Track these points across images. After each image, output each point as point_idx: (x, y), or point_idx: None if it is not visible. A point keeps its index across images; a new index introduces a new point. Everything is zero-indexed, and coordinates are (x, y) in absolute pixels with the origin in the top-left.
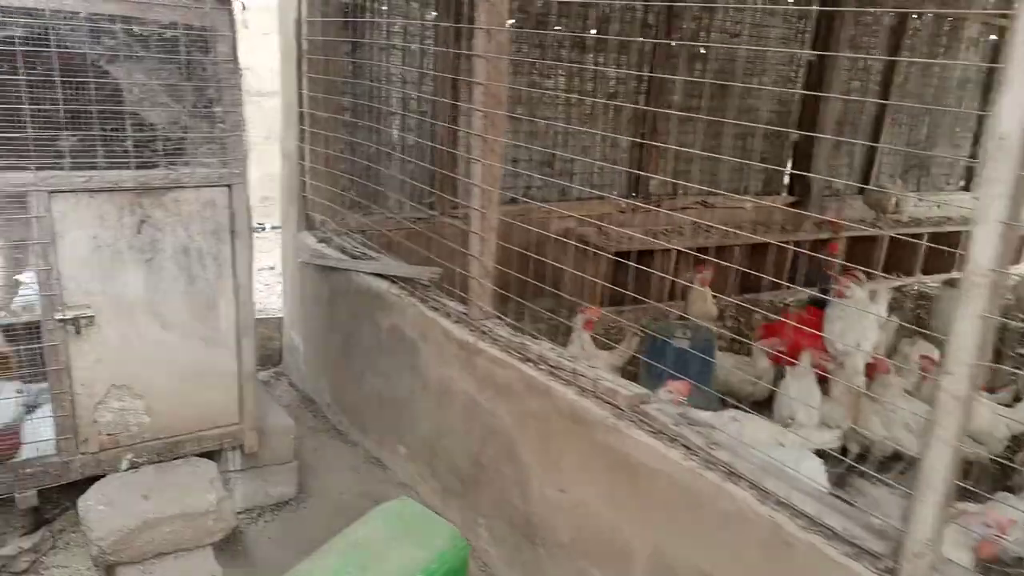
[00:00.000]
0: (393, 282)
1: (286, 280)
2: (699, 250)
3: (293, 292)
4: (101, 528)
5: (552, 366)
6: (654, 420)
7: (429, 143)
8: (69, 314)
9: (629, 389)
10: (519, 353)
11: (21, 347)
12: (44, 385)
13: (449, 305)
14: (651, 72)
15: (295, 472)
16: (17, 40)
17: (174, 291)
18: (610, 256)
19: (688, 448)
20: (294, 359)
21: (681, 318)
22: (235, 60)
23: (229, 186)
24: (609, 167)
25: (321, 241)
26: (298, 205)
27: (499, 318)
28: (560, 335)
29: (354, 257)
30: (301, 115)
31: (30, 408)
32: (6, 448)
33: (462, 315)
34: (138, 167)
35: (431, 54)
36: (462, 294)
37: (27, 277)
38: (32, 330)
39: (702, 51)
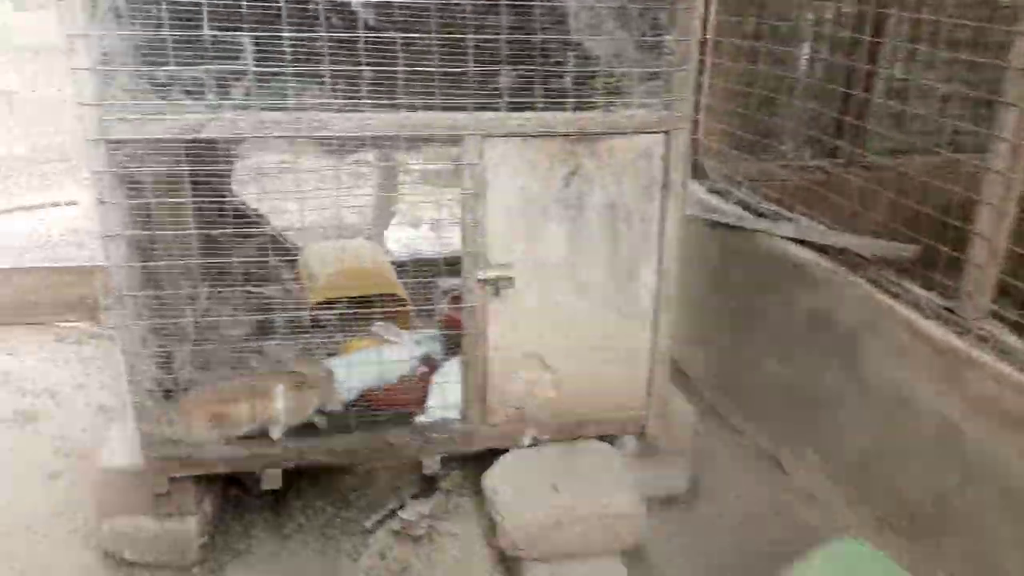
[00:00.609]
0: (823, 252)
1: None
2: None
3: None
4: (512, 518)
5: None
6: None
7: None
8: (491, 274)
9: None
10: None
11: (422, 300)
12: (430, 336)
13: (916, 292)
14: None
15: (688, 464)
16: None
17: (595, 254)
18: None
19: None
20: None
21: None
22: None
23: (667, 132)
24: None
25: (712, 192)
26: None
27: (1008, 320)
28: None
29: (760, 215)
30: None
31: (425, 362)
32: (410, 401)
33: (943, 309)
34: (575, 109)
35: None
36: (943, 280)
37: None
38: (422, 273)
39: None
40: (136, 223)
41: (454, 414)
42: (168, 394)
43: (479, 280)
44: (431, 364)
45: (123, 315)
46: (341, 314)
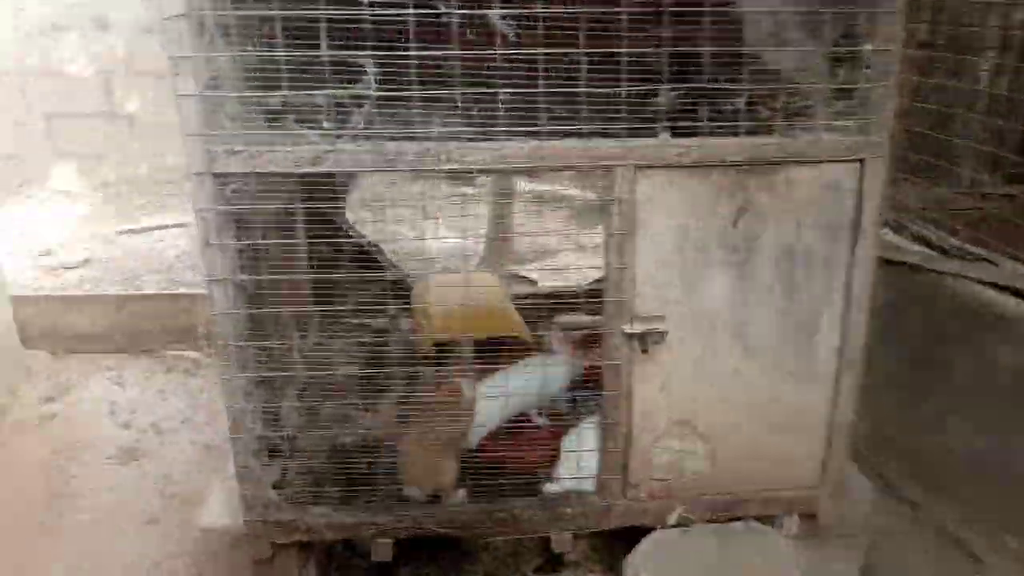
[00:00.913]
0: None
1: None
2: None
3: None
4: None
5: None
6: None
7: None
8: (639, 328)
9: None
10: None
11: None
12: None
13: None
14: None
15: (861, 549)
16: None
17: (765, 306)
18: None
19: None
20: None
21: None
22: None
23: (861, 161)
24: None
25: (884, 225)
26: None
27: None
28: None
29: (944, 252)
30: None
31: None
32: (537, 461)
33: None
34: (747, 133)
35: None
36: None
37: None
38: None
39: None
40: (244, 266)
41: (588, 485)
42: (273, 453)
43: (625, 334)
44: (558, 420)
45: (227, 366)
46: (458, 357)
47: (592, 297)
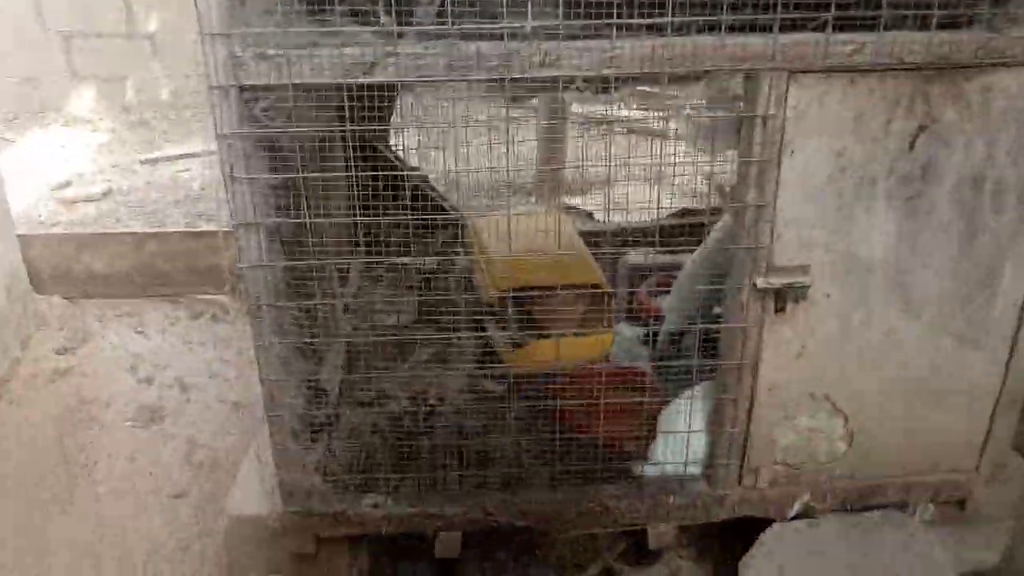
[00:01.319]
0: None
1: None
2: None
3: None
4: None
5: None
6: None
7: None
8: (776, 281)
9: None
10: None
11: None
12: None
13: None
14: None
15: (1006, 533)
16: None
17: (937, 251)
18: None
19: None
20: None
21: None
22: None
23: None
24: None
25: None
26: None
27: None
28: None
29: None
30: None
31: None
32: (624, 437)
33: None
34: (938, 27)
35: None
36: None
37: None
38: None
39: None
40: (280, 206)
41: (693, 470)
42: (317, 431)
43: (758, 289)
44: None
45: (259, 330)
46: (525, 309)
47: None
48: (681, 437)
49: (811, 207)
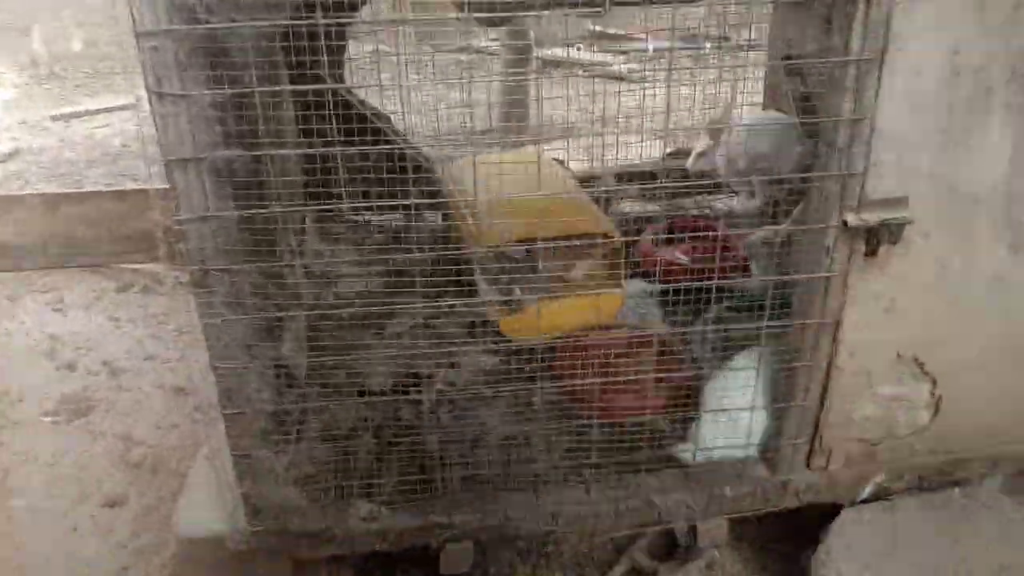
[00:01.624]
0: None
1: None
2: None
3: None
4: None
5: None
6: None
7: None
8: (872, 217)
9: None
10: None
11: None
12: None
13: None
14: None
15: None
16: None
17: None
18: None
19: None
20: None
21: None
22: None
23: None
24: None
25: None
26: None
27: None
28: None
29: None
30: None
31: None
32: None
33: None
34: None
35: None
36: None
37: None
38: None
39: None
40: (228, 135)
41: (745, 453)
42: (286, 431)
43: (847, 228)
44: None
45: (210, 303)
46: (524, 264)
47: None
48: (733, 416)
49: (916, 123)
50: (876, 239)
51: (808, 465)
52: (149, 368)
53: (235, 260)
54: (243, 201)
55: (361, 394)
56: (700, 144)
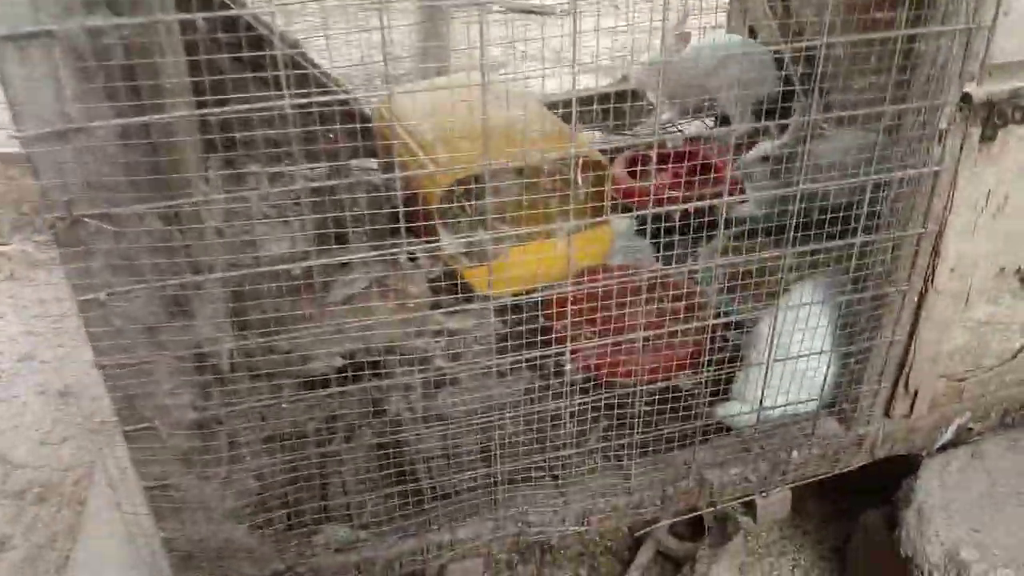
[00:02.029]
0: None
1: None
2: None
3: None
4: None
5: None
6: None
7: None
8: (996, 88)
9: None
10: None
11: None
12: None
13: None
14: None
15: None
16: None
17: None
18: None
19: None
20: None
21: None
22: None
23: None
24: None
25: None
26: None
27: None
28: None
29: None
30: None
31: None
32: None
33: None
34: None
35: None
36: None
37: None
38: None
39: None
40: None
41: (807, 407)
42: (214, 448)
43: (966, 104)
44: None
45: (85, 271)
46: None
47: None
48: (793, 364)
49: None
50: (999, 118)
51: (888, 413)
52: (26, 370)
53: (121, 199)
54: (128, 102)
55: (324, 384)
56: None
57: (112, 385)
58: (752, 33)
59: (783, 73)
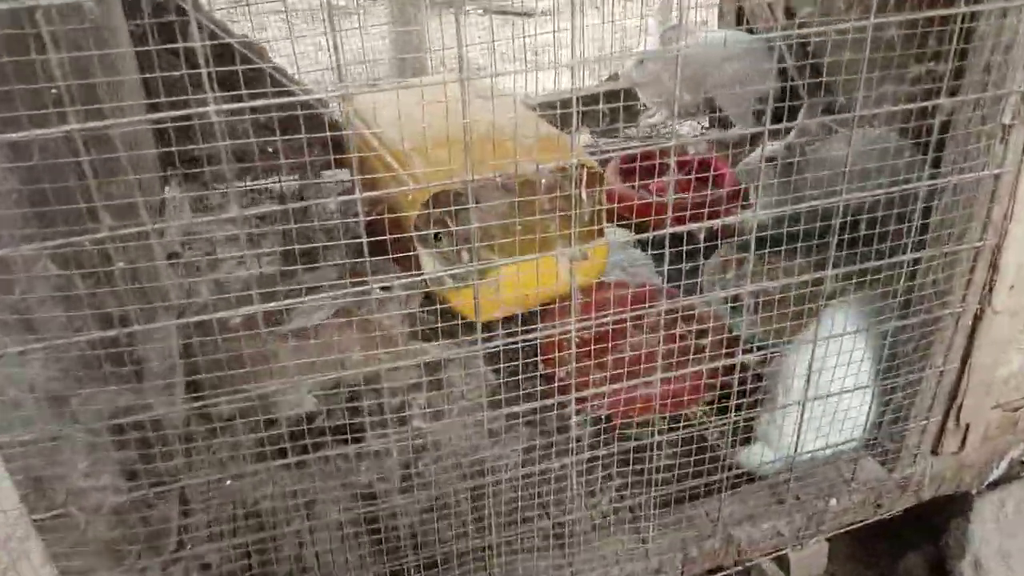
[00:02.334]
0: None
1: None
2: None
3: None
4: None
5: None
6: None
7: None
8: None
9: None
10: None
11: None
12: None
13: None
14: None
15: None
16: None
17: None
18: None
19: None
20: None
21: None
22: None
23: None
24: None
25: None
26: None
27: None
28: None
29: None
30: None
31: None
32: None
33: None
34: None
35: None
36: None
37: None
38: None
39: None
40: None
41: (843, 448)
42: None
43: None
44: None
45: None
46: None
47: None
48: (828, 402)
49: None
50: None
51: (935, 450)
52: None
53: (3, 239)
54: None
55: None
56: (647, 45)
57: (13, 465)
58: (742, 23)
59: (787, 65)
